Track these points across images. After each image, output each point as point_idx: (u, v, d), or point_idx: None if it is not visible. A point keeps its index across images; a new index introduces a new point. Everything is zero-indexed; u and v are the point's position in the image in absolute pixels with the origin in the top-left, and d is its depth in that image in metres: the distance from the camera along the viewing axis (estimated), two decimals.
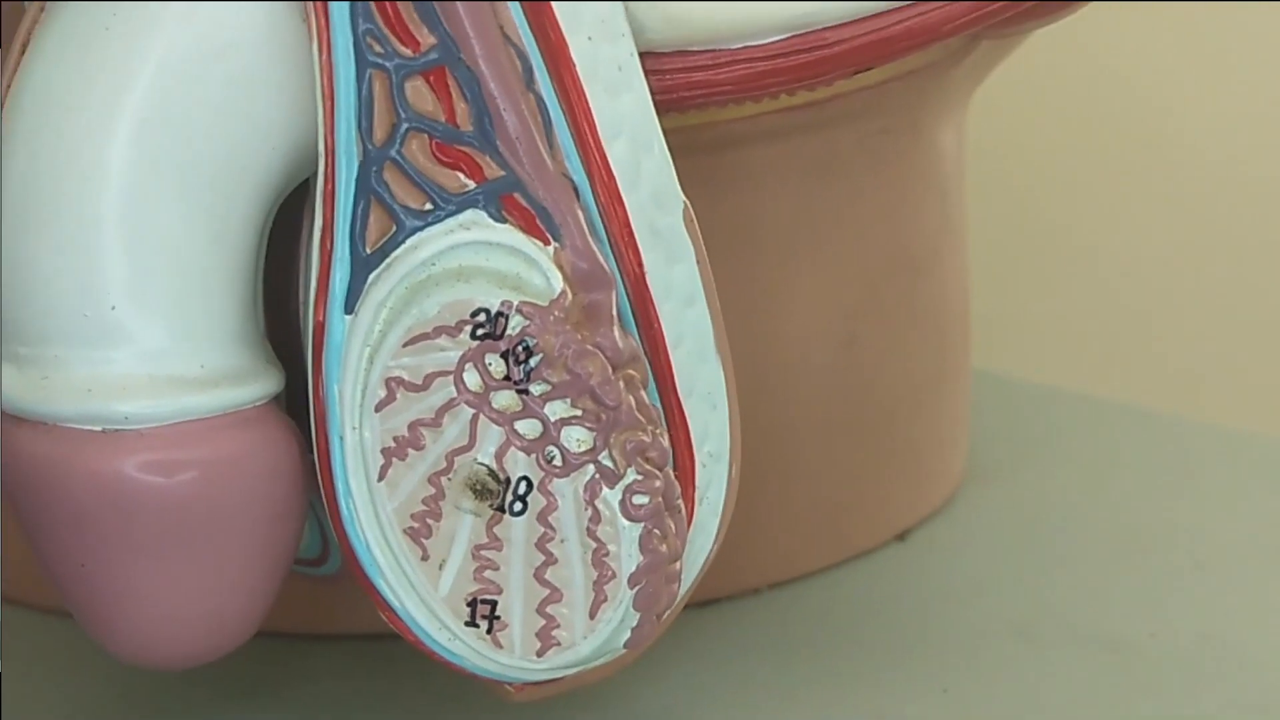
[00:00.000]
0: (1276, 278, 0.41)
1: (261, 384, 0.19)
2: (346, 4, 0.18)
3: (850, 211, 0.25)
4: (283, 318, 0.20)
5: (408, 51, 0.18)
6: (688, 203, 0.19)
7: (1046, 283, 0.42)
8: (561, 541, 0.18)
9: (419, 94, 0.18)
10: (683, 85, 0.19)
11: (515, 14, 0.18)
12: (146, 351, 0.18)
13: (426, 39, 0.18)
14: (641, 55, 0.19)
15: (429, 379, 0.18)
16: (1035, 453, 0.30)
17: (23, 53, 0.18)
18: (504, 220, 0.18)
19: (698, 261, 0.19)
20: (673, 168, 0.19)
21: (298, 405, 0.19)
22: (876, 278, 0.25)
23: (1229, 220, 0.41)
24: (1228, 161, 0.41)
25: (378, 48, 0.18)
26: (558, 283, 0.18)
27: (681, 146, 0.20)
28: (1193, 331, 0.41)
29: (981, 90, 0.27)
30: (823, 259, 0.24)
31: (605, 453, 0.18)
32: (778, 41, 0.19)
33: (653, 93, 0.19)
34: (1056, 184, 0.42)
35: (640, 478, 0.18)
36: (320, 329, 0.18)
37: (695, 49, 0.19)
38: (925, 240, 0.26)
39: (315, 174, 0.19)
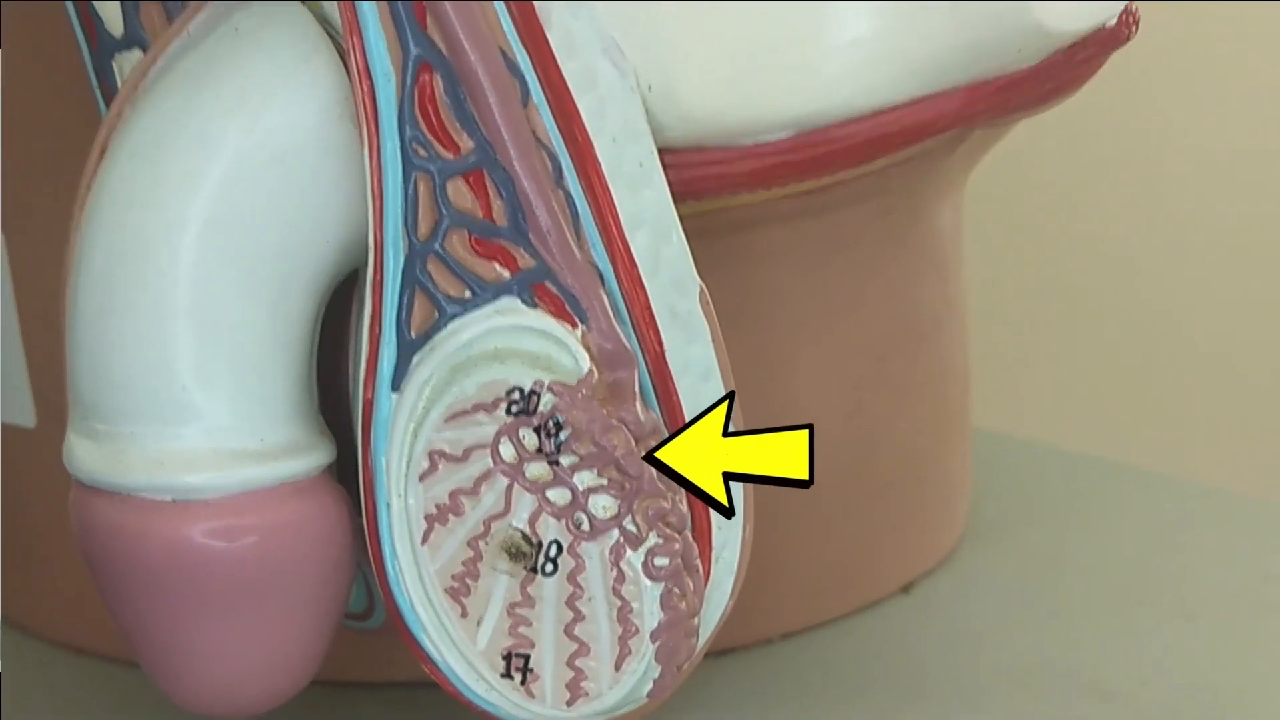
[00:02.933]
0: (1271, 340, 0.42)
1: (316, 456, 0.20)
2: (394, 114, 0.19)
3: (855, 288, 0.26)
4: (334, 393, 0.21)
5: (449, 155, 0.19)
6: (704, 286, 0.21)
7: (1045, 348, 0.43)
8: (589, 600, 0.20)
9: (459, 193, 0.19)
10: (699, 178, 0.21)
11: (546, 119, 0.19)
12: (213, 428, 0.19)
13: (466, 144, 0.19)
14: (661, 151, 0.20)
15: (468, 451, 0.20)
16: (1033, 509, 0.30)
17: (101, 157, 0.20)
18: (535, 306, 0.19)
19: (713, 340, 0.21)
20: (690, 254, 0.20)
21: (348, 474, 0.21)
22: (881, 349, 0.26)
23: (1225, 283, 0.42)
24: (1222, 224, 0.42)
25: (422, 152, 0.19)
26: (585, 363, 0.19)
27: (697, 230, 0.21)
28: (1184, 393, 0.42)
29: (984, 157, 0.28)
30: (830, 332, 0.26)
31: (629, 518, 0.20)
32: (785, 138, 0.21)
33: (671, 184, 0.20)
34: (1055, 251, 0.42)
35: (661, 541, 0.20)
36: (369, 406, 0.20)
37: (710, 145, 0.20)
38: (927, 313, 0.27)
39: (364, 265, 0.20)
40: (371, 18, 0.19)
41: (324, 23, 0.20)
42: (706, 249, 0.21)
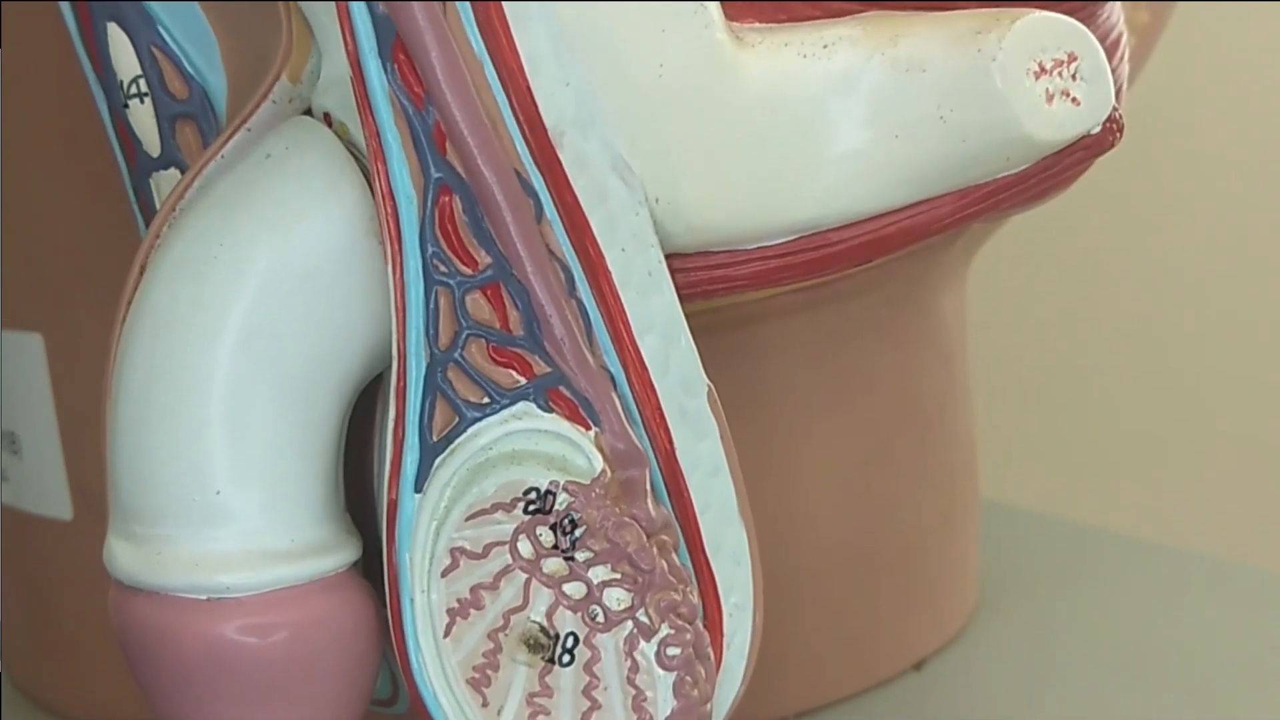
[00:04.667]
0: (1274, 411, 0.42)
1: (343, 553, 0.21)
2: (416, 233, 0.20)
3: (860, 376, 0.27)
4: (360, 489, 0.22)
5: (468, 270, 0.20)
6: (711, 385, 0.21)
7: (1055, 418, 0.43)
8: (605, 689, 0.20)
9: (477, 305, 0.20)
10: (705, 280, 0.22)
11: (559, 233, 0.20)
12: (245, 530, 0.20)
13: (484, 259, 0.20)
14: (668, 257, 0.21)
15: (488, 548, 0.20)
16: (1043, 582, 0.31)
17: (141, 274, 0.21)
18: (551, 410, 0.20)
19: (721, 436, 0.21)
20: (697, 355, 0.21)
21: (373, 569, 0.21)
22: (887, 433, 0.27)
23: (1230, 354, 0.42)
24: (1223, 297, 0.42)
25: (442, 268, 0.20)
26: (598, 463, 0.20)
27: (704, 326, 0.22)
28: (1191, 464, 0.42)
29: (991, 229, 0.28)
30: (836, 419, 0.26)
31: (642, 610, 0.20)
32: (787, 242, 0.21)
33: (678, 286, 0.21)
34: (1063, 321, 0.43)
35: (673, 632, 0.20)
36: (393, 506, 0.21)
37: (715, 250, 0.21)
38: (932, 397, 0.28)
39: (388, 370, 0.21)
40: (395, 145, 0.20)
41: (350, 146, 0.21)
42: (713, 343, 0.22)
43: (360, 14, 0.19)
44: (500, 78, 0.20)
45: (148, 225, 0.23)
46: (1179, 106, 0.41)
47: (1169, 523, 0.40)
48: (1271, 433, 0.42)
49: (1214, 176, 0.42)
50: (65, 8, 0.23)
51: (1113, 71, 0.22)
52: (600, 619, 0.20)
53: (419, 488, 0.20)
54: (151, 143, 0.22)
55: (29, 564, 0.28)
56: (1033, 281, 0.42)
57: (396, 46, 0.19)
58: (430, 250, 0.20)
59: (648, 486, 0.21)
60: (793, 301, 0.25)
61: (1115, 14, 0.23)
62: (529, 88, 0.20)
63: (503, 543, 0.20)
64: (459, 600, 0.20)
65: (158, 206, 0.23)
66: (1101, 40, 0.22)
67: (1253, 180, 0.42)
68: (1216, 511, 0.42)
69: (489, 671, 0.20)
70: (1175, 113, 0.41)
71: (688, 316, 0.21)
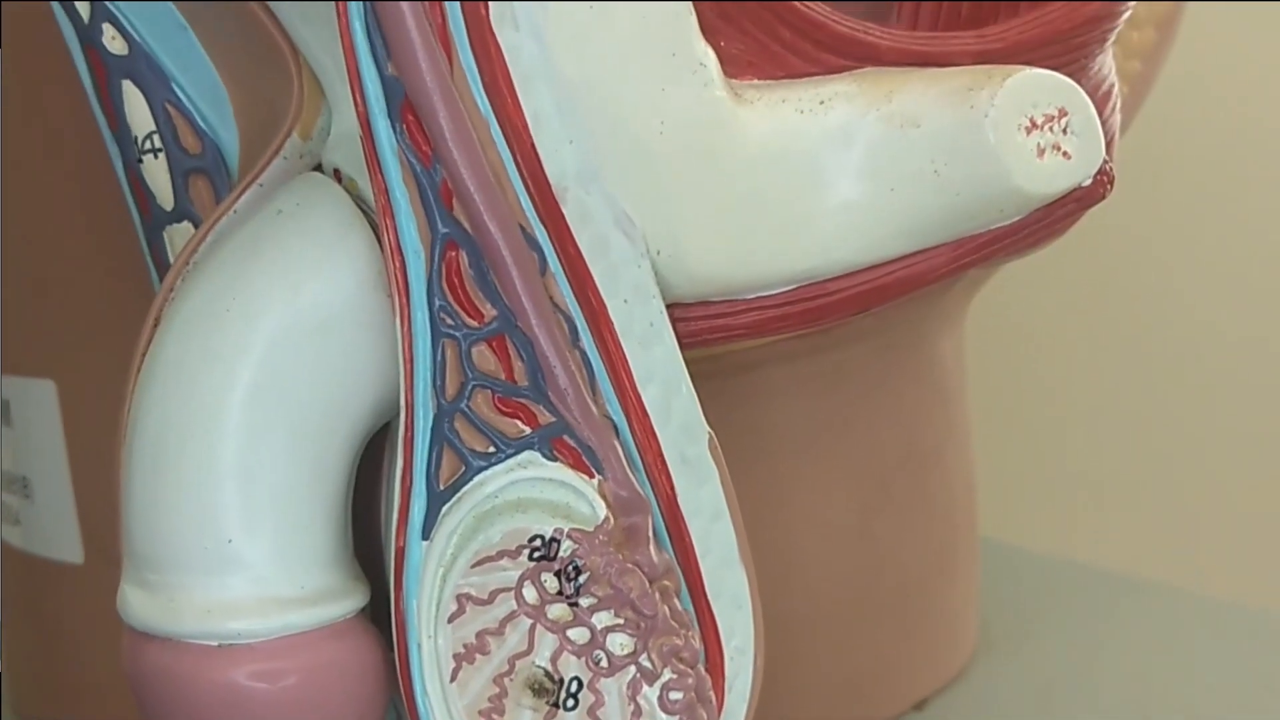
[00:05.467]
0: (1275, 451, 0.42)
1: (351, 600, 0.21)
2: (423, 287, 0.20)
3: (859, 419, 0.27)
4: (368, 536, 0.22)
5: (474, 323, 0.21)
6: (712, 433, 0.22)
7: (1055, 457, 0.43)
8: None
9: (483, 357, 0.21)
10: (705, 329, 0.22)
11: (562, 286, 0.21)
12: (256, 577, 0.21)
13: (489, 312, 0.21)
14: (669, 307, 0.21)
15: (493, 594, 0.21)
16: (1043, 621, 0.31)
17: (155, 327, 0.21)
18: (555, 459, 0.21)
19: (721, 482, 0.22)
20: (698, 403, 0.22)
21: (381, 615, 0.22)
22: (886, 476, 0.27)
23: (1229, 393, 0.43)
24: (1221, 335, 0.43)
25: (449, 320, 0.21)
26: (601, 510, 0.21)
27: (704, 372, 0.22)
28: (1192, 505, 0.43)
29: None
30: (835, 462, 0.27)
31: (645, 655, 0.21)
32: (786, 292, 0.22)
33: (678, 335, 0.22)
34: (1065, 360, 0.43)
35: (675, 676, 0.21)
36: (401, 553, 0.21)
37: (715, 300, 0.22)
38: (931, 440, 0.28)
39: (396, 420, 0.21)
40: (403, 202, 0.20)
41: (359, 201, 0.22)
42: (713, 389, 0.22)
43: (370, 75, 0.20)
44: (505, 136, 0.20)
45: (161, 277, 0.23)
46: (1177, 141, 0.41)
47: (1169, 563, 0.40)
48: (1273, 473, 0.42)
49: (1213, 213, 0.42)
50: (81, 64, 0.23)
51: (1104, 123, 0.22)
52: (604, 664, 0.21)
53: (426, 535, 0.21)
54: (165, 197, 0.23)
55: (39, 607, 0.28)
56: (1031, 321, 0.43)
57: (405, 107, 0.20)
58: (437, 303, 0.20)
59: (650, 533, 0.21)
60: (792, 348, 0.25)
61: (1106, 65, 0.24)
62: (533, 145, 0.20)
63: (508, 589, 0.21)
64: (465, 645, 0.21)
65: (171, 259, 0.23)
66: (1092, 93, 0.22)
67: (1255, 218, 0.42)
68: (1217, 552, 0.42)
69: (495, 716, 0.21)
70: (1169, 149, 0.41)
71: (688, 363, 0.22)
